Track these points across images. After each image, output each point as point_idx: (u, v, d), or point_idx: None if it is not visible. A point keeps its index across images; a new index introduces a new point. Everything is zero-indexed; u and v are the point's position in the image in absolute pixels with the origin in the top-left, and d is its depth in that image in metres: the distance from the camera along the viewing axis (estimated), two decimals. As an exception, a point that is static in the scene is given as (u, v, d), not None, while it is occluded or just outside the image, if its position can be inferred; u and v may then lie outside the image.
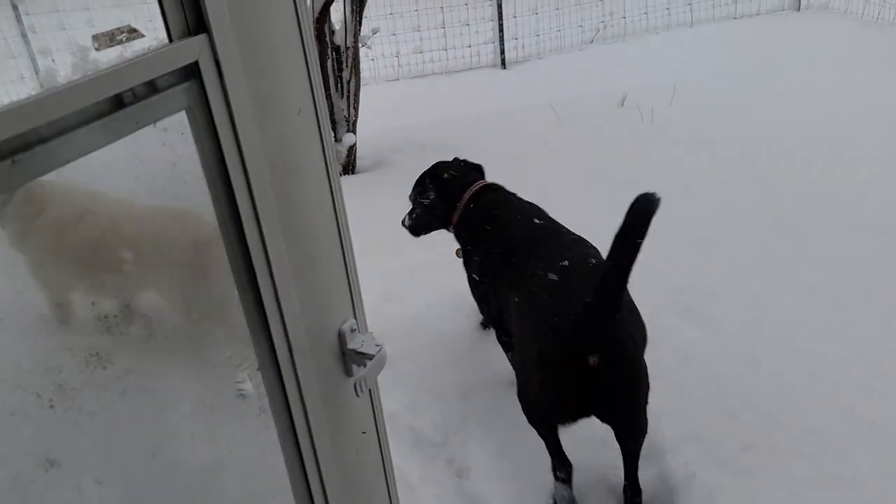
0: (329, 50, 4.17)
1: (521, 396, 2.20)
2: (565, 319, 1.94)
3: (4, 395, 0.60)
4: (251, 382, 0.85)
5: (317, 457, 0.95)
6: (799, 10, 8.13)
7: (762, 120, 4.93)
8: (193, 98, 0.70)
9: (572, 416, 2.06)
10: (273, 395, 0.88)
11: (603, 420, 2.07)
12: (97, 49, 0.60)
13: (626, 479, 2.19)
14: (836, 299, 2.95)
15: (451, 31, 7.95)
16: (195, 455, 0.76)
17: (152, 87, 0.66)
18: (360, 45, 4.44)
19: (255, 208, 0.78)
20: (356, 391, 0.94)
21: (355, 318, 0.99)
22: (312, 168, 0.87)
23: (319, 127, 0.86)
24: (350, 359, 0.97)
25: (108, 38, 0.60)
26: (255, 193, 0.77)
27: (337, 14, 4.26)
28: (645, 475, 2.27)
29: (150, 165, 0.67)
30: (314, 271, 0.91)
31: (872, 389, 2.46)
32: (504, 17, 7.77)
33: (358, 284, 0.99)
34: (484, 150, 4.98)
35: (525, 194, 3.24)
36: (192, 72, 0.69)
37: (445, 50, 7.88)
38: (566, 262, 2.18)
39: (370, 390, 1.07)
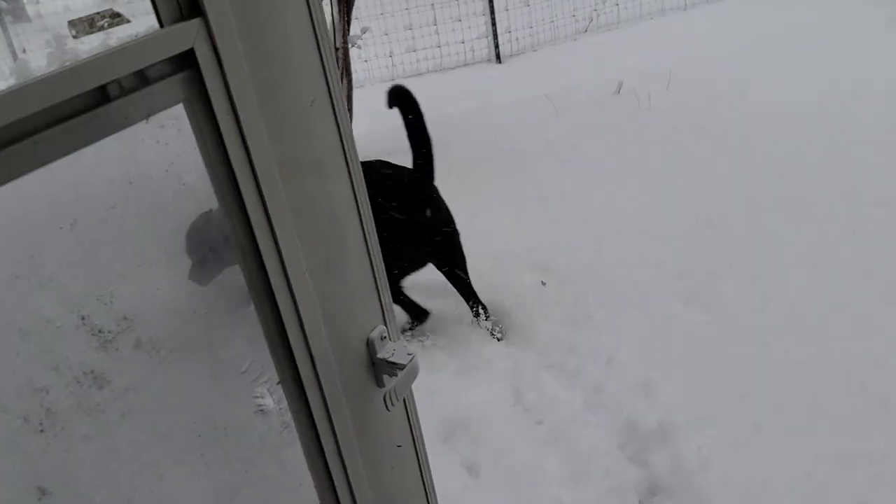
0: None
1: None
2: (400, 195, 2.70)
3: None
4: (272, 397, 0.79)
5: (347, 475, 0.88)
6: (795, -16, 7.72)
7: (760, 99, 4.78)
8: (191, 90, 0.64)
9: (422, 262, 2.88)
10: (296, 410, 0.81)
11: (439, 263, 2.88)
12: (75, 37, 0.54)
13: (467, 301, 2.95)
14: (844, 277, 2.86)
15: (444, 28, 7.87)
16: (207, 477, 0.70)
17: (142, 79, 0.60)
18: (349, 45, 4.41)
19: (265, 209, 0.71)
20: (386, 405, 0.87)
21: (385, 324, 0.92)
22: (330, 162, 0.80)
23: (336, 117, 0.79)
24: (381, 369, 0.90)
25: (88, 24, 0.54)
26: (265, 193, 0.70)
27: (326, 16, 4.25)
28: (657, 461, 2.21)
29: (144, 166, 0.61)
30: (337, 275, 0.84)
31: (885, 365, 2.37)
32: (496, 11, 7.61)
33: (387, 289, 0.91)
34: (482, 146, 4.91)
35: (524, 188, 3.75)
36: (187, 61, 0.63)
37: (439, 47, 7.78)
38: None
39: (405, 400, 0.99)
